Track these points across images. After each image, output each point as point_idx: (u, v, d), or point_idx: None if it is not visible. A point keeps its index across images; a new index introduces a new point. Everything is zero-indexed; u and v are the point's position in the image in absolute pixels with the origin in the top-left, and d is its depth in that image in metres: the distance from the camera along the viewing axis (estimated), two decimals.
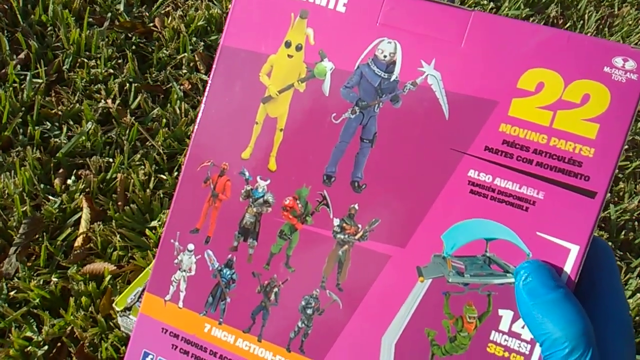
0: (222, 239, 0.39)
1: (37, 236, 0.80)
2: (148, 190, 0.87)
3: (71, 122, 0.93)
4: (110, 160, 0.90)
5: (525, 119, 0.33)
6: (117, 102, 0.97)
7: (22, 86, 0.95)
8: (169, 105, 0.99)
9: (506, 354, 0.33)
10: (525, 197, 0.33)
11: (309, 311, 0.37)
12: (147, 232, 0.82)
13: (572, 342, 0.28)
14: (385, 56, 0.36)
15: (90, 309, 0.74)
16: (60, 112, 0.94)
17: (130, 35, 1.08)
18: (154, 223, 0.84)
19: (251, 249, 0.38)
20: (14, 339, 0.70)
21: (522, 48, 0.33)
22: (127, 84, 1.00)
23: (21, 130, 0.90)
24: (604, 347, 0.29)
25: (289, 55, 0.38)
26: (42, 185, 0.85)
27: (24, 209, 0.81)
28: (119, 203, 0.85)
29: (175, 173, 0.91)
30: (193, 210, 0.39)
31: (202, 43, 1.10)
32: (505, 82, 0.34)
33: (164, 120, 0.96)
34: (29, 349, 0.70)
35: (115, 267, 0.78)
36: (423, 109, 0.35)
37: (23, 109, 0.93)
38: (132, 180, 0.87)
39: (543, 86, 0.33)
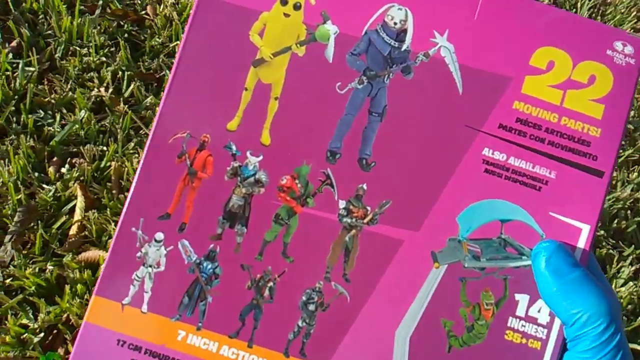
0: (201, 225, 0.32)
1: (32, 224, 0.80)
2: None
3: (64, 111, 0.93)
4: (104, 148, 0.90)
5: (537, 97, 0.33)
6: (110, 90, 0.96)
7: (15, 74, 0.95)
8: (162, 93, 0.99)
9: (524, 340, 0.31)
10: (539, 176, 0.32)
11: (311, 307, 0.31)
12: None
13: (606, 319, 0.28)
14: (395, 23, 0.33)
15: (85, 297, 0.74)
16: (53, 101, 0.94)
17: (122, 23, 1.08)
18: None
19: (239, 237, 0.32)
20: (10, 326, 0.70)
21: (533, 25, 0.32)
22: (120, 72, 0.99)
23: (14, 119, 0.90)
24: None
25: (285, 14, 0.33)
26: (36, 174, 0.85)
27: (19, 197, 0.81)
28: (114, 191, 0.86)
29: None
30: (163, 192, 0.32)
31: None
32: (519, 59, 0.33)
33: (157, 108, 0.96)
34: (25, 336, 0.71)
35: None
36: (436, 82, 0.33)
37: (16, 97, 0.92)
38: (126, 169, 0.87)
39: (554, 65, 0.33)
